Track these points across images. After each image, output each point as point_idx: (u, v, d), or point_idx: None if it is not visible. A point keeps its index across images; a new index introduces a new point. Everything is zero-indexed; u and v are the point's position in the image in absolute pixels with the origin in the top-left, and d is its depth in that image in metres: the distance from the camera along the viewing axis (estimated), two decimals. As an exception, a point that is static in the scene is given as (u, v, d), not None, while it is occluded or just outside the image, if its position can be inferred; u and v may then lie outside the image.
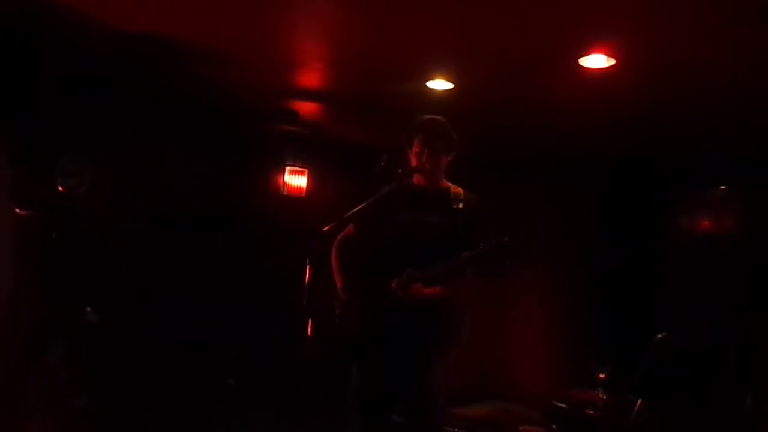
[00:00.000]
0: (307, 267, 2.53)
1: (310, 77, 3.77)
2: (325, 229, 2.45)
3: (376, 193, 2.54)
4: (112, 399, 3.80)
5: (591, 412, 2.96)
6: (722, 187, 4.42)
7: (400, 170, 2.55)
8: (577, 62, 2.90)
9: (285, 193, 5.34)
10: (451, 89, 3.51)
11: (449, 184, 2.61)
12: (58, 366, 3.34)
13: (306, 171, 5.39)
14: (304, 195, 5.39)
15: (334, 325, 2.57)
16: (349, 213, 2.53)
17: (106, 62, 3.60)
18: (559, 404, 3.15)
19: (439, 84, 3.45)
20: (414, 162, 2.56)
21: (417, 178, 2.59)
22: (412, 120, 2.58)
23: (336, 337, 2.59)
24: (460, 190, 2.58)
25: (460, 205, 2.48)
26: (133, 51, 3.35)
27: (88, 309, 3.84)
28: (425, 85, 3.48)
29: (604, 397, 2.97)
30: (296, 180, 5.38)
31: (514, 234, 2.28)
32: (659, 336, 2.60)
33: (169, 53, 3.36)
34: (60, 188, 3.89)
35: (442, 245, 2.39)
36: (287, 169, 5.35)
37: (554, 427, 3.13)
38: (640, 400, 2.54)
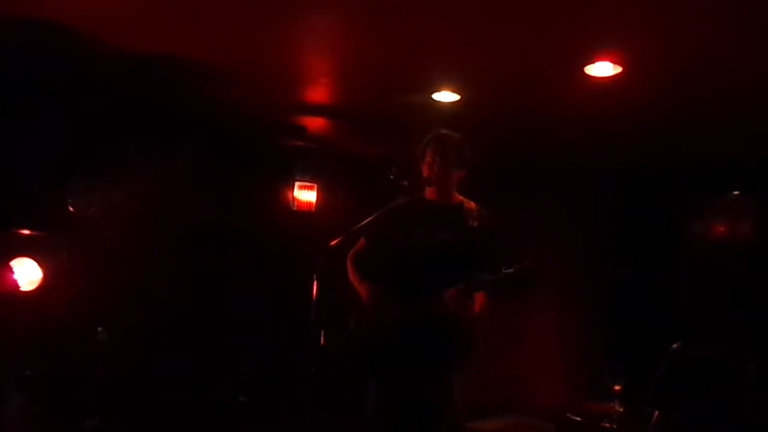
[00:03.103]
0: (315, 282, 2.52)
1: (318, 92, 3.79)
2: (332, 243, 2.44)
3: (384, 206, 2.52)
4: (123, 419, 3.80)
5: (607, 424, 2.90)
6: (736, 192, 4.36)
7: (406, 182, 2.52)
8: (583, 70, 2.89)
9: (295, 208, 5.35)
10: (457, 101, 3.51)
11: (462, 198, 2.60)
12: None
13: (315, 186, 5.40)
14: (314, 210, 5.38)
15: (347, 338, 2.56)
16: (357, 227, 2.52)
17: (116, 82, 3.65)
18: (574, 417, 3.09)
19: (446, 96, 3.46)
20: (426, 173, 2.54)
21: (429, 192, 2.57)
22: (427, 133, 2.59)
23: (351, 350, 2.57)
24: (474, 205, 2.56)
25: (475, 223, 2.47)
26: (142, 71, 3.40)
27: (99, 329, 3.85)
28: (431, 98, 3.49)
29: (620, 409, 2.92)
30: (306, 195, 5.39)
31: (529, 254, 2.28)
32: (674, 346, 2.55)
33: (178, 72, 3.40)
34: (70, 208, 3.93)
35: (456, 263, 2.39)
36: (296, 184, 5.35)
37: (569, 440, 3.08)
38: (656, 412, 2.48)
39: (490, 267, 2.35)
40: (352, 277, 2.66)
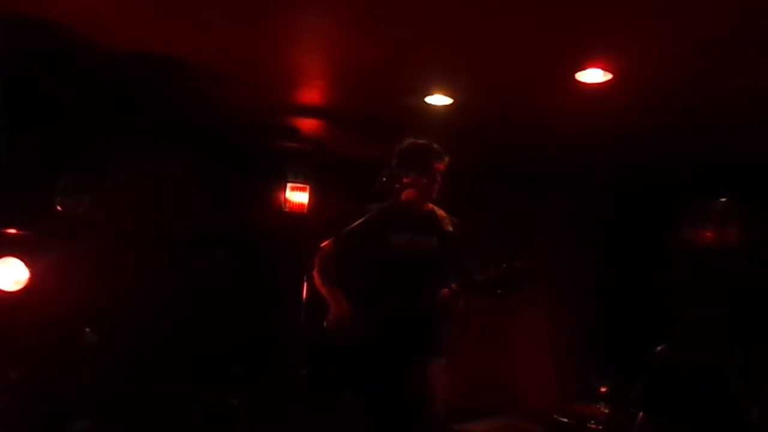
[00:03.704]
0: (305, 283, 2.55)
1: (310, 94, 3.80)
2: (322, 245, 2.50)
3: (371, 210, 2.61)
4: (112, 422, 3.77)
5: (593, 425, 2.94)
6: (723, 199, 4.42)
7: (397, 185, 2.61)
8: (574, 77, 2.92)
9: (286, 210, 5.34)
10: (450, 104, 3.53)
11: (432, 205, 2.71)
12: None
13: (307, 187, 5.39)
14: (305, 211, 5.39)
15: (325, 337, 2.60)
16: (346, 229, 2.58)
17: (106, 81, 3.64)
18: (560, 418, 3.12)
19: (438, 99, 3.48)
20: (414, 187, 2.64)
21: (405, 198, 2.65)
22: (412, 146, 2.67)
23: (329, 349, 2.62)
24: (443, 212, 2.68)
25: (450, 229, 2.60)
26: (133, 70, 3.39)
27: (87, 330, 3.83)
28: (424, 101, 3.51)
29: (606, 410, 2.95)
30: (298, 196, 5.38)
31: (517, 255, 2.39)
32: (659, 348, 2.59)
33: (169, 72, 3.39)
34: (58, 208, 3.90)
35: (433, 267, 2.52)
36: (288, 185, 5.34)
37: (556, 441, 3.10)
38: (641, 414, 2.52)
39: (464, 270, 2.51)
40: (318, 282, 2.68)
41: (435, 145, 2.66)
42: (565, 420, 3.10)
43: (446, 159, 2.65)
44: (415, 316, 2.47)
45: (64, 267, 3.63)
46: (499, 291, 2.41)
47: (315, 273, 2.68)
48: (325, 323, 2.61)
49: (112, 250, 4.08)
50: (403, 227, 2.59)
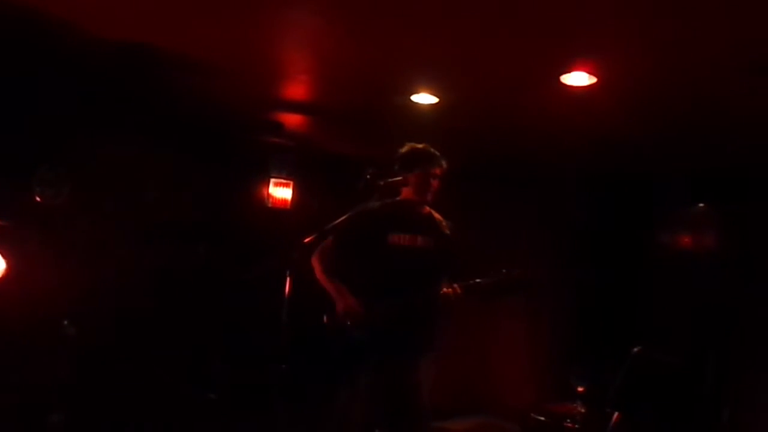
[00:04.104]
0: (288, 279, 2.54)
1: (296, 89, 3.78)
2: (305, 240, 2.52)
3: (357, 206, 2.65)
4: (89, 415, 3.73)
5: (569, 424, 2.97)
6: (701, 204, 4.49)
7: (382, 183, 2.64)
8: (559, 79, 2.95)
9: (270, 206, 5.32)
10: (435, 103, 3.54)
11: (429, 208, 2.81)
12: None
13: (291, 183, 5.37)
14: (289, 207, 5.37)
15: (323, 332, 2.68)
16: (330, 225, 2.61)
17: (89, 72, 3.59)
18: (538, 417, 3.16)
19: (424, 98, 3.48)
20: (411, 188, 2.73)
21: (406, 195, 2.75)
22: (406, 149, 2.76)
23: (328, 345, 2.70)
24: (440, 215, 2.80)
25: (447, 231, 2.73)
26: (115, 61, 3.34)
27: (65, 322, 3.78)
28: (410, 99, 3.51)
29: (582, 410, 2.99)
30: (281, 192, 5.36)
31: (516, 262, 2.55)
32: (636, 349, 2.63)
33: (152, 64, 3.35)
34: (38, 198, 3.84)
35: (431, 266, 2.64)
36: (272, 181, 5.32)
37: (533, 440, 3.14)
38: (616, 413, 2.56)
39: (459, 272, 2.63)
40: (323, 279, 2.76)
41: (432, 150, 2.75)
42: (542, 419, 3.14)
43: (443, 164, 2.74)
44: (412, 312, 2.56)
45: (43, 258, 3.58)
46: (496, 296, 2.58)
47: (316, 268, 2.75)
48: (325, 318, 2.69)
49: (92, 241, 4.02)
50: (403, 227, 2.68)
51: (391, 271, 2.64)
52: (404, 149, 2.78)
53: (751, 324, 4.03)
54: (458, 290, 2.54)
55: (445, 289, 2.54)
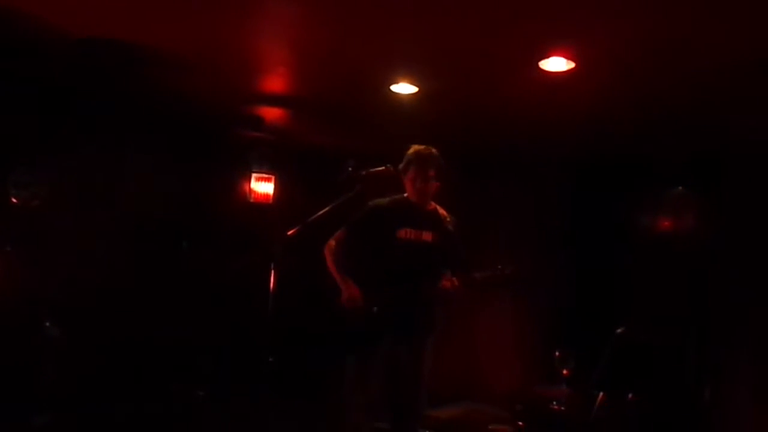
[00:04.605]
0: (273, 271, 2.54)
1: (275, 82, 3.75)
2: (289, 233, 2.54)
3: (340, 198, 2.76)
4: (75, 415, 3.69)
5: (555, 407, 3.01)
6: (680, 187, 4.56)
7: (364, 173, 2.76)
8: (538, 65, 2.96)
9: (252, 201, 5.28)
10: (415, 93, 3.54)
11: (435, 205, 2.97)
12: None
13: (273, 177, 5.34)
14: (271, 202, 5.33)
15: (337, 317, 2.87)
16: (314, 217, 2.66)
17: (65, 68, 3.52)
18: (524, 401, 3.20)
19: (404, 88, 3.48)
20: (409, 187, 2.89)
21: (410, 197, 2.92)
22: (410, 150, 2.90)
23: (342, 328, 2.88)
24: (445, 212, 2.96)
25: (450, 227, 2.88)
26: (92, 57, 3.29)
27: (47, 323, 3.73)
28: (390, 89, 3.50)
29: (568, 392, 3.03)
30: (263, 187, 5.32)
31: (510, 259, 2.75)
32: (619, 331, 2.68)
33: (129, 58, 3.30)
34: (14, 200, 3.77)
35: (432, 263, 2.82)
36: (253, 175, 5.28)
37: (521, 423, 3.18)
38: (601, 394, 2.61)
39: (462, 266, 2.83)
40: (333, 269, 2.93)
41: (429, 152, 2.88)
42: (529, 401, 3.17)
43: (438, 164, 2.87)
44: (415, 300, 2.78)
45: (23, 260, 3.52)
46: (490, 289, 2.84)
47: (328, 258, 2.92)
48: (338, 300, 2.88)
49: (72, 242, 3.97)
50: (410, 223, 2.86)
51: (398, 263, 2.83)
52: (409, 150, 2.90)
53: (730, 304, 4.11)
54: (456, 283, 2.73)
55: (445, 282, 2.72)
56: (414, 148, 2.90)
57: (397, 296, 2.78)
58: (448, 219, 2.93)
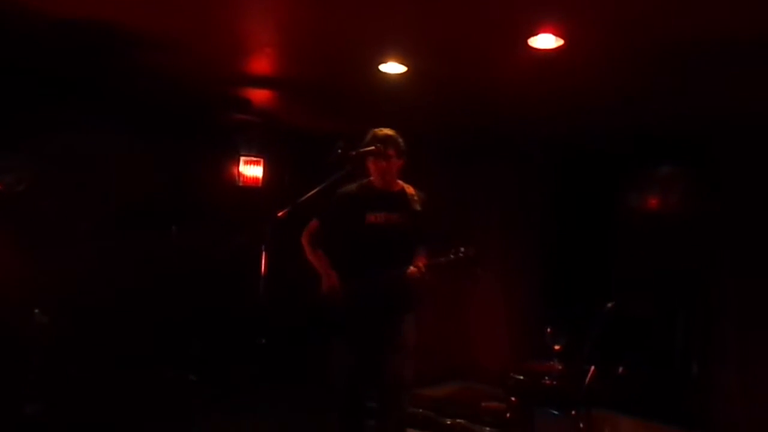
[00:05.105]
0: (263, 254, 2.54)
1: (261, 63, 3.70)
2: (279, 214, 2.57)
3: (329, 179, 2.81)
4: (67, 403, 3.68)
5: (547, 381, 3.07)
6: (667, 166, 4.59)
7: (354, 153, 2.79)
8: (527, 43, 2.94)
9: (241, 184, 5.25)
10: (404, 72, 3.51)
11: (402, 184, 3.03)
12: None
13: (262, 160, 5.31)
14: (260, 185, 5.31)
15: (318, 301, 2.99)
16: (303, 198, 2.71)
17: (46, 51, 3.45)
18: (517, 376, 3.25)
19: (392, 67, 3.45)
20: (372, 170, 2.95)
21: (375, 181, 2.98)
22: (368, 135, 2.94)
23: (322, 311, 2.98)
24: (412, 189, 3.02)
25: (418, 207, 2.94)
26: (73, 39, 3.22)
27: (36, 311, 3.70)
28: (378, 69, 3.47)
29: (560, 367, 3.08)
30: (252, 170, 5.30)
31: (472, 242, 2.83)
32: (609, 305, 2.72)
33: (112, 41, 3.24)
34: (-2, 187, 3.72)
35: (403, 243, 2.90)
36: (242, 159, 5.25)
37: (513, 399, 3.23)
38: (592, 368, 2.66)
39: (430, 245, 2.93)
40: (312, 259, 3.03)
41: (390, 132, 2.94)
42: (521, 377, 3.23)
43: (399, 142, 2.94)
44: (390, 282, 2.85)
45: (10, 247, 3.48)
46: (454, 272, 2.90)
47: (306, 248, 3.02)
48: (321, 286, 2.98)
49: (60, 228, 3.92)
50: (377, 206, 2.93)
51: (370, 247, 2.90)
52: (369, 134, 2.94)
53: (717, 280, 4.16)
54: (422, 269, 2.82)
55: (411, 269, 2.81)
56: (372, 131, 2.95)
57: (371, 279, 2.86)
58: (415, 197, 2.98)
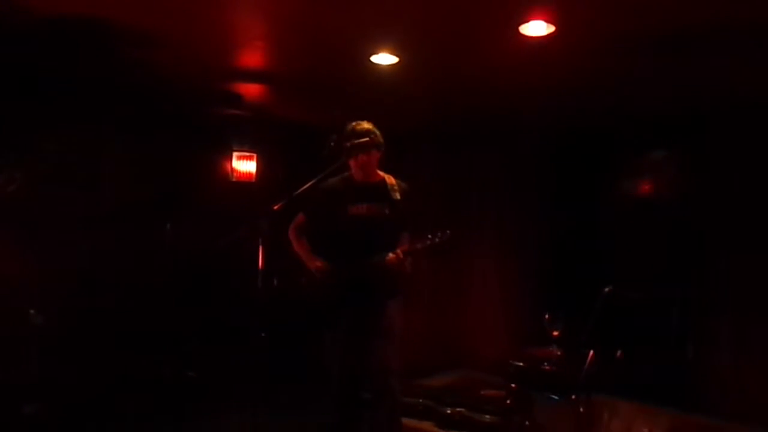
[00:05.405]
0: (260, 248, 2.54)
1: (252, 57, 3.68)
2: (275, 207, 2.56)
3: (321, 174, 2.87)
4: (65, 402, 3.67)
5: (547, 367, 3.09)
6: (661, 149, 4.61)
7: (349, 144, 2.87)
8: (518, 30, 2.94)
9: (234, 180, 5.23)
10: (396, 63, 3.50)
11: (382, 174, 3.11)
12: None
13: (254, 155, 5.29)
14: (254, 180, 5.29)
15: (302, 292, 3.12)
16: (299, 191, 2.73)
17: (37, 48, 3.41)
18: (516, 363, 3.28)
19: (384, 58, 3.43)
20: (351, 163, 3.04)
21: (356, 173, 3.07)
22: (347, 128, 3.03)
23: (307, 301, 3.11)
24: (393, 179, 3.10)
25: (398, 195, 3.03)
26: (63, 36, 3.19)
27: (32, 311, 3.69)
28: (370, 60, 3.46)
29: (559, 352, 3.10)
30: (245, 165, 5.28)
31: (442, 227, 2.96)
32: (606, 289, 2.74)
33: (100, 36, 3.21)
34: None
35: (386, 231, 3.02)
36: (235, 154, 5.23)
37: (513, 386, 3.25)
38: (591, 352, 2.68)
39: (412, 231, 3.05)
40: (298, 249, 3.15)
41: (366, 124, 3.02)
42: (521, 364, 3.25)
43: (375, 134, 3.02)
44: (373, 269, 2.97)
45: (3, 248, 3.46)
46: (431, 255, 3.09)
47: (293, 241, 3.15)
48: (303, 281, 3.10)
49: (53, 227, 3.90)
50: (359, 198, 3.03)
51: (354, 238, 3.01)
52: (347, 128, 3.02)
53: (712, 264, 4.19)
54: (401, 255, 2.93)
55: (390, 255, 2.92)
56: (351, 125, 3.02)
57: (351, 267, 2.99)
58: (396, 187, 3.06)
